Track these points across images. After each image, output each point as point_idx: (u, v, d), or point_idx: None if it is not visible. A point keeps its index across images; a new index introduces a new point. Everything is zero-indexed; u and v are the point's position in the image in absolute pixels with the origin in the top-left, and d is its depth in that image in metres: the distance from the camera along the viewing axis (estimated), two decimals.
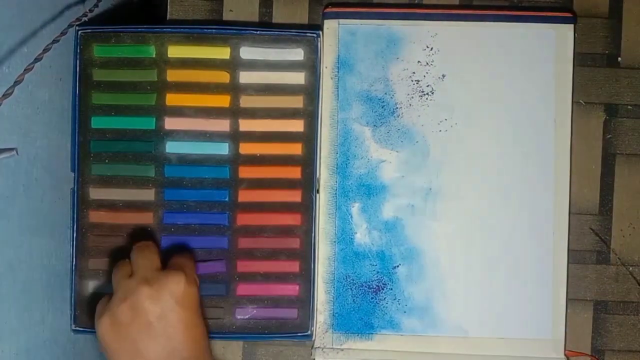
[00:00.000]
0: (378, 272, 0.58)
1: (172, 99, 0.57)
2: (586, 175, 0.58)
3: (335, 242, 0.58)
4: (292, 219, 0.57)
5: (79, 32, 0.57)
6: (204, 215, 0.57)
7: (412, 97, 0.58)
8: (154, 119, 0.57)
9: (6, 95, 0.43)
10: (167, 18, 0.60)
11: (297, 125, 0.57)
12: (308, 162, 0.57)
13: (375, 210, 0.58)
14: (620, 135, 0.58)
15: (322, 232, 0.58)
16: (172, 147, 0.57)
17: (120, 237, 0.57)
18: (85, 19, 0.56)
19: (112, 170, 0.57)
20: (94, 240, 0.57)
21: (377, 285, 0.57)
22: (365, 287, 0.58)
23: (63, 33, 0.51)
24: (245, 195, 0.57)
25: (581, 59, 0.59)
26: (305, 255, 0.57)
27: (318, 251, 0.57)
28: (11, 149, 0.45)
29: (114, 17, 0.63)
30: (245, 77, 0.57)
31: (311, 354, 0.58)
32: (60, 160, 0.57)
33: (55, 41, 0.49)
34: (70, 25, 0.53)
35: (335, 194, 0.58)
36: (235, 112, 0.57)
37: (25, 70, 0.45)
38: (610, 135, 0.58)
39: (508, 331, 0.57)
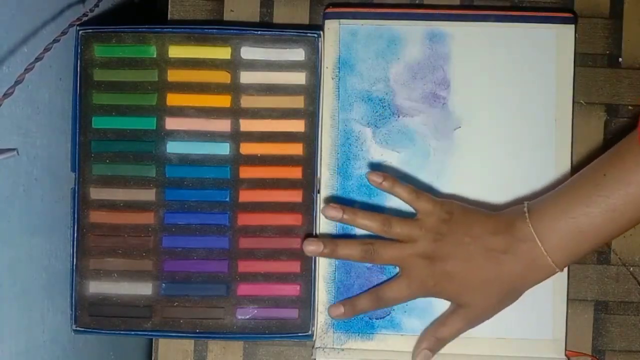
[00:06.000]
0: (379, 272, 0.57)
1: (173, 99, 0.57)
2: None
3: None
4: (293, 219, 0.57)
5: (80, 32, 0.57)
6: (205, 215, 0.57)
7: None
8: (155, 119, 0.57)
9: (7, 95, 0.43)
10: (168, 18, 0.60)
11: (297, 126, 0.57)
12: (309, 162, 0.57)
13: (376, 210, 0.57)
14: (620, 136, 0.58)
15: (323, 232, 0.57)
16: (173, 147, 0.57)
17: (121, 237, 0.57)
18: (86, 18, 0.55)
19: (113, 170, 0.57)
20: (94, 240, 0.57)
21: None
22: (366, 287, 0.57)
23: (63, 33, 0.51)
24: (246, 196, 0.57)
25: (582, 59, 0.59)
26: (306, 255, 0.57)
27: None
28: (12, 150, 0.45)
29: (114, 17, 0.63)
30: (246, 77, 0.57)
31: (312, 354, 0.58)
32: (60, 160, 0.57)
33: (55, 41, 0.49)
34: (70, 25, 0.52)
35: (336, 194, 0.58)
36: (236, 112, 0.57)
37: (25, 70, 0.45)
38: (610, 136, 0.58)
39: (508, 331, 0.57)
